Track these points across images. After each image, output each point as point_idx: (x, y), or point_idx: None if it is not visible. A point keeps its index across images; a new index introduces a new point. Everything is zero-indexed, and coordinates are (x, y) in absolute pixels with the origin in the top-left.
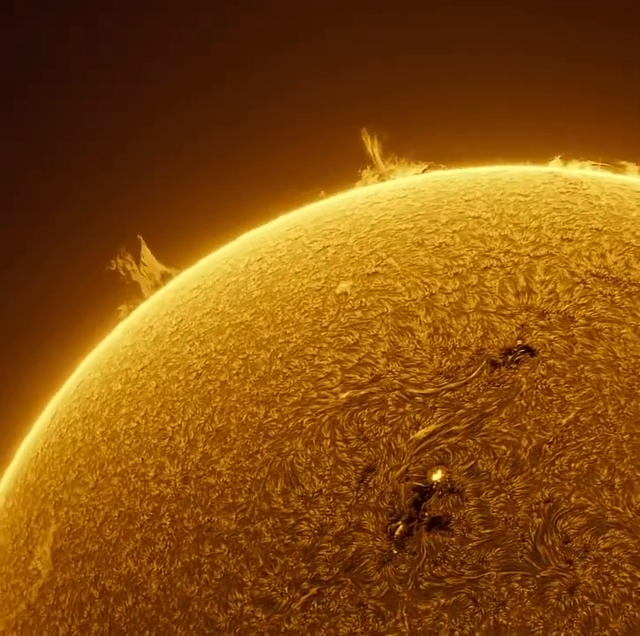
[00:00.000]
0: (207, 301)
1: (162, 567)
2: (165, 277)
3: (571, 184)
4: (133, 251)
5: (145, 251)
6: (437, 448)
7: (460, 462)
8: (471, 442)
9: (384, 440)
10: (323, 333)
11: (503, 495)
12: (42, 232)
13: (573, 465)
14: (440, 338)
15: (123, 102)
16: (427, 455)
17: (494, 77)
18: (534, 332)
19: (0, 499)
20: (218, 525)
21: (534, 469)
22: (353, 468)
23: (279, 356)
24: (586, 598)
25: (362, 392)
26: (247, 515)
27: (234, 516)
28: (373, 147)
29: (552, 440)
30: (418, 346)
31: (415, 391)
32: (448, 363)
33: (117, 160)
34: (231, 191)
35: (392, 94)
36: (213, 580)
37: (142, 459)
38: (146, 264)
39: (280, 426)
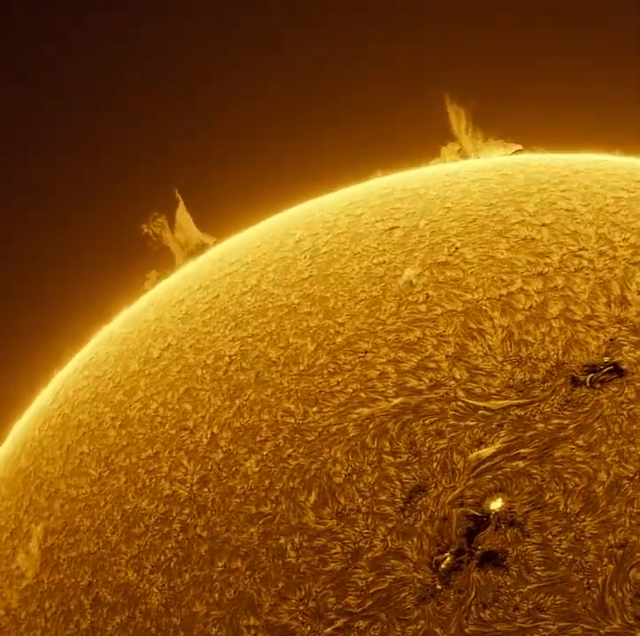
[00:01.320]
0: (248, 277)
1: (167, 579)
2: (202, 246)
3: None
4: (168, 214)
5: (182, 214)
6: (499, 472)
7: (524, 491)
8: (540, 469)
9: (438, 457)
10: (380, 327)
11: (571, 533)
12: (76, 190)
13: None
14: (515, 346)
15: (176, 63)
16: (487, 479)
17: (603, 53)
18: (625, 349)
19: None
20: (237, 536)
21: (609, 507)
22: (399, 486)
23: (326, 349)
24: None
25: (419, 399)
26: (272, 528)
27: (256, 528)
28: (459, 121)
29: (633, 476)
30: (489, 352)
31: (481, 404)
32: (522, 375)
33: (160, 119)
34: (285, 157)
35: (482, 66)
36: (224, 600)
37: (156, 452)
38: (182, 229)
39: (320, 429)
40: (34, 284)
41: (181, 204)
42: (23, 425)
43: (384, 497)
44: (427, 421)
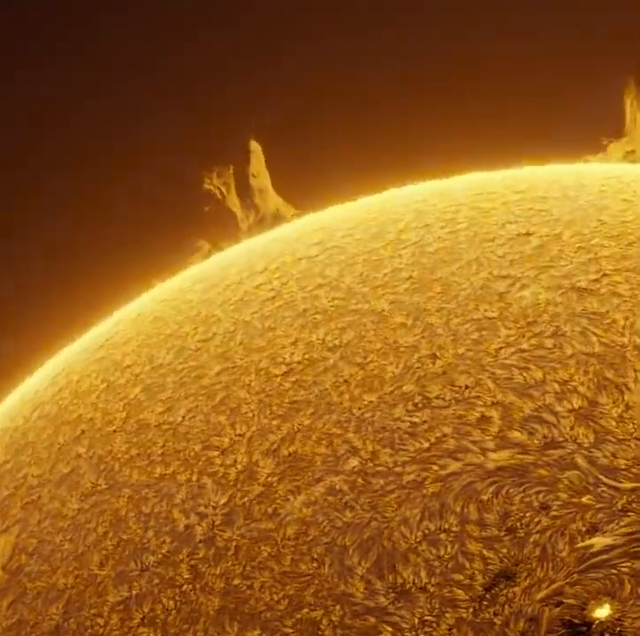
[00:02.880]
0: (329, 267)
1: None
2: (277, 218)
3: None
4: (239, 171)
5: (259, 172)
6: (613, 571)
7: None
8: None
9: (538, 538)
10: (489, 359)
11: None
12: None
13: None
14: None
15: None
16: (596, 577)
17: None
18: None
19: None
20: (260, 597)
21: None
22: (481, 567)
23: (416, 375)
24: None
25: (525, 460)
26: (308, 594)
27: (287, 590)
28: (637, 117)
29: None
30: (625, 415)
31: (604, 479)
32: None
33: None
34: (404, 124)
35: None
36: None
37: (173, 472)
38: (255, 191)
39: (391, 477)
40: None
41: (260, 158)
42: (7, 408)
43: (459, 578)
44: (531, 490)
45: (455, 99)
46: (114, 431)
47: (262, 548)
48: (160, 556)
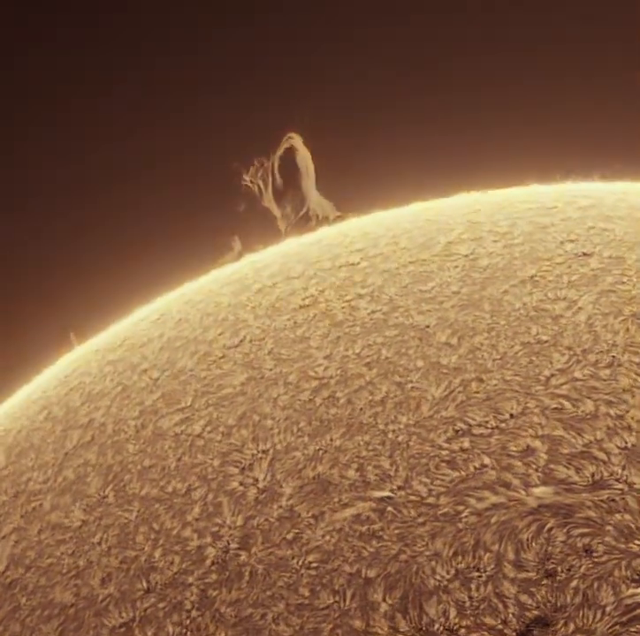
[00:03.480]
0: (371, 276)
1: None
2: (320, 220)
3: None
4: (282, 171)
5: (303, 168)
6: None
7: None
8: None
9: (579, 584)
10: (539, 386)
11: None
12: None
13: None
14: None
15: None
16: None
17: None
18: None
19: None
20: (273, 630)
21: None
22: (516, 611)
23: (458, 400)
24: None
25: (571, 498)
26: (325, 629)
27: (303, 623)
28: None
29: None
30: None
31: None
32: None
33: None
34: (464, 126)
35: None
36: None
37: (188, 488)
38: (297, 189)
39: (424, 509)
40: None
41: (304, 155)
42: (12, 407)
43: (491, 622)
44: (575, 531)
45: (520, 105)
46: (127, 439)
47: (280, 576)
48: (168, 577)
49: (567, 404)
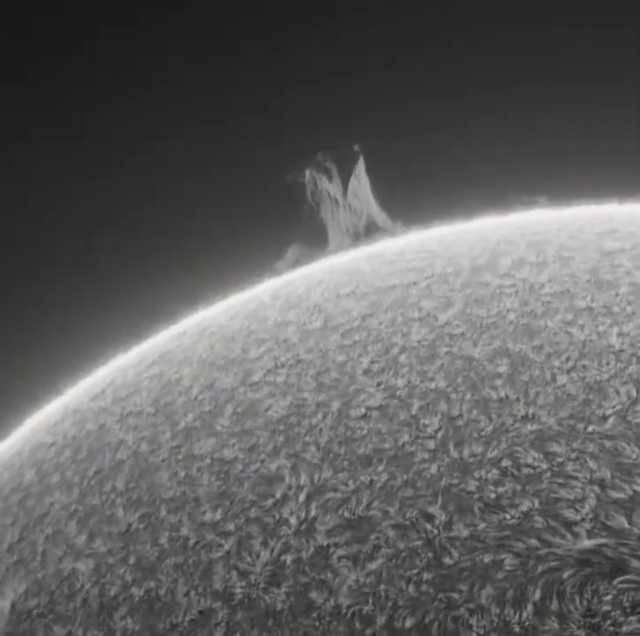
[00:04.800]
0: (425, 299)
1: None
2: (376, 231)
3: None
4: (342, 183)
5: (359, 177)
6: None
7: None
8: None
9: None
10: (593, 426)
11: None
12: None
13: None
14: None
15: None
16: None
17: None
18: None
19: None
20: None
21: None
22: None
23: (507, 436)
24: None
25: (621, 551)
26: None
27: None
28: None
29: None
30: None
31: None
32: None
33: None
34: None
35: None
36: None
37: (219, 520)
38: (353, 198)
39: (464, 553)
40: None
41: (362, 168)
42: (46, 420)
43: None
44: (623, 585)
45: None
46: (159, 463)
47: (308, 619)
48: (193, 615)
49: (621, 447)
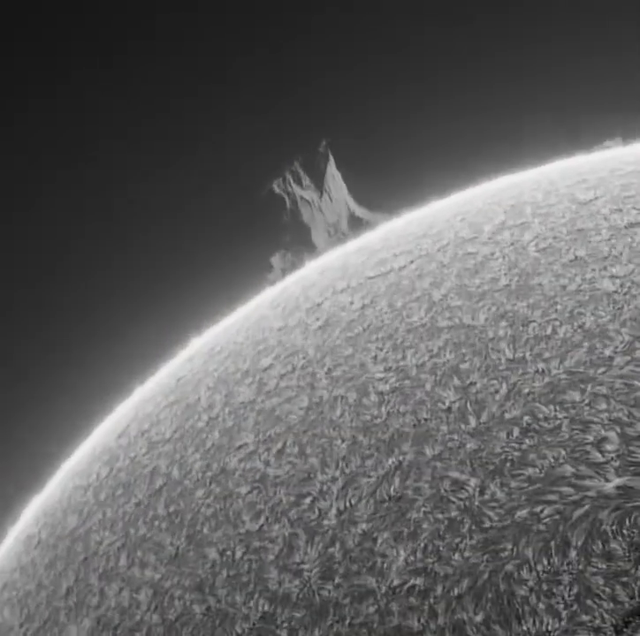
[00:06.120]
0: (419, 279)
1: None
2: (359, 225)
3: None
4: (315, 178)
5: (331, 174)
6: None
7: None
8: None
9: None
10: (601, 368)
11: None
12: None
13: None
14: None
15: None
16: None
17: None
18: None
19: (16, 548)
20: None
21: None
22: (610, 606)
23: (522, 394)
24: None
25: None
26: None
27: None
28: None
29: None
30: None
31: None
32: None
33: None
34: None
35: None
36: None
37: (261, 527)
38: (331, 200)
39: (502, 513)
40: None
41: (331, 163)
42: (79, 463)
43: (585, 619)
44: None
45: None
46: (195, 484)
47: (365, 605)
48: (254, 621)
49: (634, 383)
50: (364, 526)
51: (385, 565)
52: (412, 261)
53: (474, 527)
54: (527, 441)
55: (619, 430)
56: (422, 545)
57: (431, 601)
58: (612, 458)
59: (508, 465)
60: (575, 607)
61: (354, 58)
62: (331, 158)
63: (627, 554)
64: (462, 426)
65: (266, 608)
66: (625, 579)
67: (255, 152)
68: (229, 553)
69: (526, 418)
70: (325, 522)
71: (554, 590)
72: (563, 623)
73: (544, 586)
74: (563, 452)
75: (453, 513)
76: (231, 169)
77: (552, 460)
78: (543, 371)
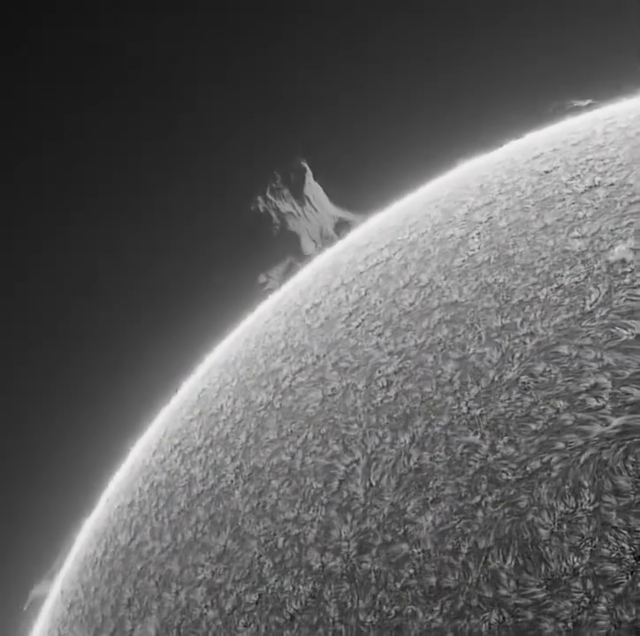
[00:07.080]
0: (405, 268)
1: None
2: (342, 226)
3: None
4: (295, 189)
5: (310, 185)
6: None
7: None
8: None
9: None
10: (584, 322)
11: None
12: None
13: None
14: None
15: None
16: None
17: None
18: None
19: (76, 569)
20: (412, 623)
21: None
22: (625, 536)
23: (515, 356)
24: None
25: None
26: (460, 605)
27: (440, 607)
28: None
29: None
30: None
31: None
32: None
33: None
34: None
35: None
36: None
37: (297, 515)
38: (314, 207)
39: (514, 466)
40: None
41: (309, 175)
42: (121, 482)
43: (607, 552)
44: None
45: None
46: (230, 484)
47: (403, 570)
48: (305, 600)
49: (615, 330)
50: (391, 499)
51: (416, 531)
52: (396, 252)
53: (491, 484)
54: (527, 398)
55: (608, 375)
56: (447, 508)
57: (463, 557)
58: (607, 402)
59: (514, 423)
60: (594, 542)
61: (321, 61)
62: (308, 169)
63: (634, 487)
64: (465, 394)
65: (313, 586)
66: (636, 510)
67: (241, 165)
68: (271, 543)
69: (523, 377)
70: (354, 501)
71: (574, 530)
72: (586, 559)
73: (565, 527)
74: (562, 403)
75: (471, 474)
76: (217, 190)
77: (553, 412)
78: (532, 332)
